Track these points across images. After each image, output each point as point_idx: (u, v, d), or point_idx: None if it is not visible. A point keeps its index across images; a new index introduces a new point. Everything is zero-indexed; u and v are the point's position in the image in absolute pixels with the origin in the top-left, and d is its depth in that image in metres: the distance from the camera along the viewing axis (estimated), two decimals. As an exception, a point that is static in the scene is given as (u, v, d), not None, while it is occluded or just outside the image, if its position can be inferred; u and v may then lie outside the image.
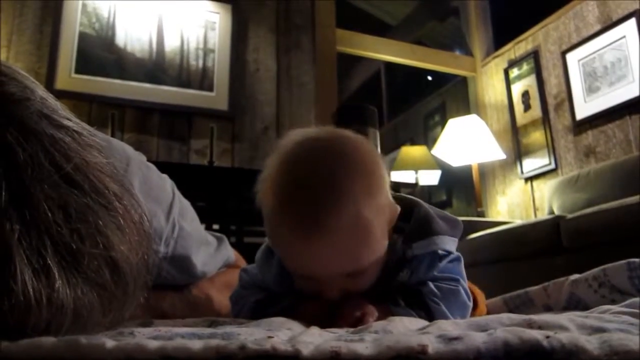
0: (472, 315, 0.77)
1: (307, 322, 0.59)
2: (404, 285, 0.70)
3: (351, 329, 0.53)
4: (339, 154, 0.63)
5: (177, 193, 0.79)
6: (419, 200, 0.76)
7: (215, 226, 2.05)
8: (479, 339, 0.36)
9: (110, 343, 0.35)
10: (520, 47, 3.72)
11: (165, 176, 0.79)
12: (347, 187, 0.60)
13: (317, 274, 0.64)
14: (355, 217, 0.59)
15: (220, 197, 2.14)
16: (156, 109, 2.88)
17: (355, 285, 0.65)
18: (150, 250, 0.50)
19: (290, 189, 0.61)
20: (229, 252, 0.94)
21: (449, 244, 0.71)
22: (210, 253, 0.86)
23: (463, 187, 5.15)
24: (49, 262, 0.39)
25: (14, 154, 0.39)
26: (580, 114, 3.18)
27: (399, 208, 0.68)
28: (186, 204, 0.82)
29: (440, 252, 0.71)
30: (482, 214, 3.53)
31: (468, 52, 4.20)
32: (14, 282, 0.36)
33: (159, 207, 0.73)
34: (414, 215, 0.72)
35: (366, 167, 0.63)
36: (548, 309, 0.90)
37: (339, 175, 0.60)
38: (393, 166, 3.96)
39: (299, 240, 0.60)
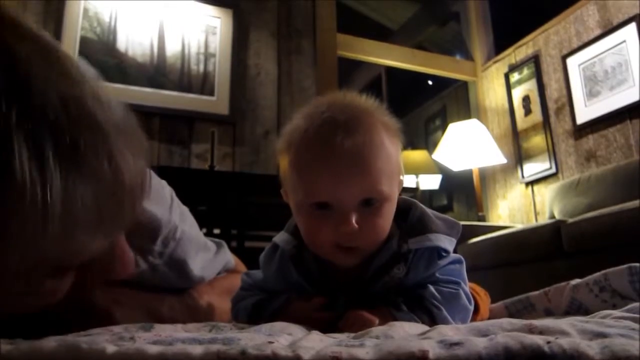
0: (473, 319, 0.77)
1: (298, 320, 0.60)
2: (402, 286, 0.71)
3: (352, 334, 0.53)
4: (362, 104, 0.72)
5: (176, 199, 0.79)
6: (416, 201, 0.78)
7: (216, 230, 2.05)
8: (479, 344, 0.36)
9: (110, 348, 0.35)
10: (520, 51, 3.72)
11: (164, 182, 0.79)
12: (369, 121, 0.68)
13: (336, 198, 0.66)
14: (375, 142, 0.67)
15: (221, 202, 2.14)
16: (157, 113, 2.88)
17: (371, 221, 0.67)
18: (147, 175, 0.50)
19: (317, 124, 0.67)
20: (228, 257, 0.94)
21: (445, 242, 0.72)
22: (209, 258, 0.86)
23: (464, 192, 5.15)
24: (46, 147, 0.38)
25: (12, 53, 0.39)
26: (580, 119, 3.18)
27: (403, 179, 0.73)
28: (185, 210, 0.82)
29: (439, 250, 0.71)
30: (482, 219, 3.53)
31: (469, 57, 4.21)
32: (12, 159, 0.36)
33: (158, 210, 0.73)
34: (410, 213, 0.74)
35: (385, 116, 0.73)
36: (549, 313, 0.90)
37: (362, 114, 0.69)
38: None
39: (322, 163, 0.66)
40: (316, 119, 0.68)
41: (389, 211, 0.69)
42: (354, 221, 0.65)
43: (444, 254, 0.72)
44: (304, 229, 0.70)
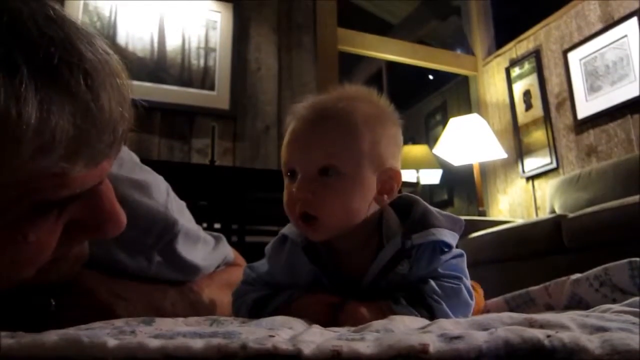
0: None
1: (305, 316, 0.59)
2: (406, 282, 0.71)
3: (352, 328, 0.53)
4: (355, 91, 0.76)
5: (172, 194, 0.79)
6: (418, 198, 0.78)
7: (217, 225, 2.05)
8: (480, 338, 0.36)
9: (112, 342, 0.35)
10: (521, 46, 3.71)
11: (160, 177, 0.79)
12: (348, 104, 0.72)
13: (297, 164, 0.71)
14: (343, 119, 0.70)
15: (221, 197, 2.14)
16: (158, 108, 2.88)
17: (327, 192, 0.69)
18: (129, 107, 0.48)
19: (306, 104, 0.74)
20: (228, 251, 0.94)
21: (448, 236, 0.72)
22: (208, 251, 0.86)
23: (464, 187, 5.15)
24: (18, 61, 0.37)
25: None
26: (581, 113, 3.18)
27: (401, 176, 0.74)
28: (182, 204, 0.82)
29: (441, 245, 0.71)
30: (483, 213, 3.53)
31: (470, 51, 4.20)
32: None
33: (154, 203, 0.73)
34: (413, 210, 0.74)
35: (377, 105, 0.76)
36: (549, 308, 0.90)
37: (346, 98, 0.73)
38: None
39: (291, 133, 0.72)
40: (308, 103, 0.74)
41: (351, 189, 0.70)
42: (309, 187, 0.69)
43: (445, 249, 0.72)
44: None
